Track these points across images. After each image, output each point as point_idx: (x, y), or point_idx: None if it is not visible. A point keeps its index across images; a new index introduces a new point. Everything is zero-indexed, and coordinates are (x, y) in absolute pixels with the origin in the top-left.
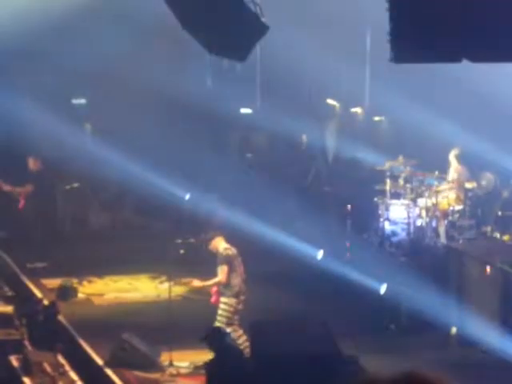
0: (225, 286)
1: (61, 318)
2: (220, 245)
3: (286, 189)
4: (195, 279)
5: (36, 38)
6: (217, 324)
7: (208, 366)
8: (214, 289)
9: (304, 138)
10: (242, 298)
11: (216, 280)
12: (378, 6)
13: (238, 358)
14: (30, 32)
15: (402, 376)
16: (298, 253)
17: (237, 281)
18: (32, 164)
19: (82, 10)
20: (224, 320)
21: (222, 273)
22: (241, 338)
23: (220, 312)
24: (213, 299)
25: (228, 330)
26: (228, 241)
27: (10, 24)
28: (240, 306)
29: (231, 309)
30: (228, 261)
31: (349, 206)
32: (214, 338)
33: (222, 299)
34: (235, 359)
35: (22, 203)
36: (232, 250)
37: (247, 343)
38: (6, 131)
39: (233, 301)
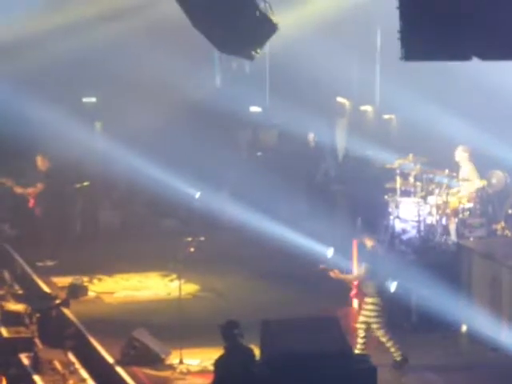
0: (366, 285)
1: (71, 316)
2: (369, 242)
3: (296, 187)
4: (336, 269)
5: (48, 37)
6: (374, 326)
7: (217, 362)
8: (355, 283)
9: (313, 136)
10: None
11: (355, 275)
12: (388, 4)
13: (249, 356)
14: (42, 31)
15: None
16: (307, 251)
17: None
18: (40, 162)
19: (93, 9)
20: (378, 320)
21: (364, 268)
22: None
23: (369, 313)
24: (353, 293)
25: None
26: (237, 239)
27: (23, 23)
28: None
29: (379, 308)
30: (372, 258)
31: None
32: (227, 331)
33: (369, 299)
34: (245, 356)
35: (31, 202)
36: (378, 248)
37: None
38: (16, 130)
39: (378, 300)
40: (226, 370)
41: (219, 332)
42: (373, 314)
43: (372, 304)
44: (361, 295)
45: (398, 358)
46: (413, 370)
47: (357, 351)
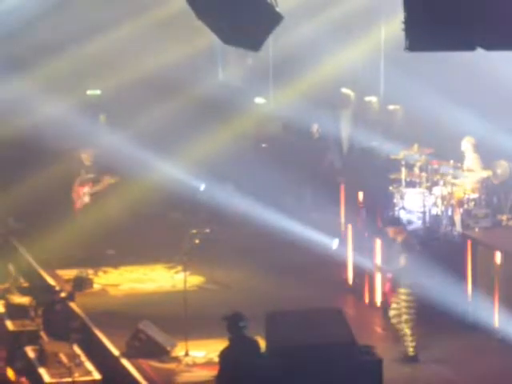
0: (407, 275)
1: (76, 308)
2: (401, 233)
3: (301, 178)
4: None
5: (52, 30)
6: (404, 317)
7: (222, 354)
8: (389, 275)
9: (318, 127)
10: None
11: (400, 266)
12: None
13: (254, 348)
14: (47, 24)
15: None
16: (312, 242)
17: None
18: (86, 159)
19: (96, 1)
20: (411, 311)
21: (405, 259)
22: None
23: (402, 304)
24: (387, 287)
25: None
26: (242, 230)
27: (26, 17)
28: None
29: (412, 299)
30: (410, 248)
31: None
32: (232, 323)
33: (403, 290)
34: (251, 348)
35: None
36: (412, 239)
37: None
38: (21, 124)
39: (412, 291)
40: (231, 362)
41: (224, 324)
42: (406, 304)
43: (405, 295)
44: (393, 288)
45: (412, 354)
46: (419, 360)
47: (411, 350)
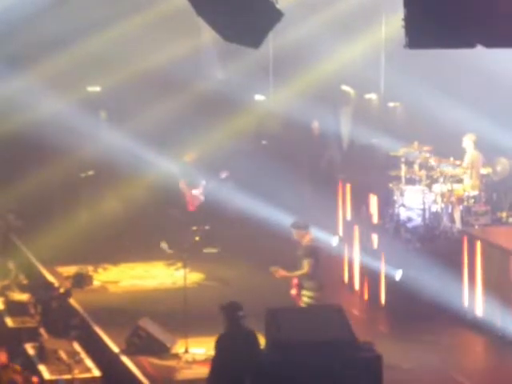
0: (309, 279)
1: (76, 305)
2: (305, 237)
3: (301, 175)
4: (281, 269)
5: (51, 27)
6: None
7: (219, 341)
8: (295, 281)
9: (318, 124)
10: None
11: (302, 271)
12: None
13: (252, 339)
14: (46, 21)
15: None
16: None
17: (320, 273)
18: (191, 158)
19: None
20: None
21: (307, 265)
22: None
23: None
24: (293, 292)
25: None
26: (242, 227)
27: (26, 14)
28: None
29: (317, 303)
30: (314, 253)
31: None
32: (230, 313)
33: (307, 293)
34: (249, 339)
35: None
36: (316, 243)
37: None
38: (21, 120)
39: (318, 295)
40: (230, 354)
41: (221, 313)
42: None
43: (311, 298)
44: (299, 292)
45: None
46: (418, 357)
47: None
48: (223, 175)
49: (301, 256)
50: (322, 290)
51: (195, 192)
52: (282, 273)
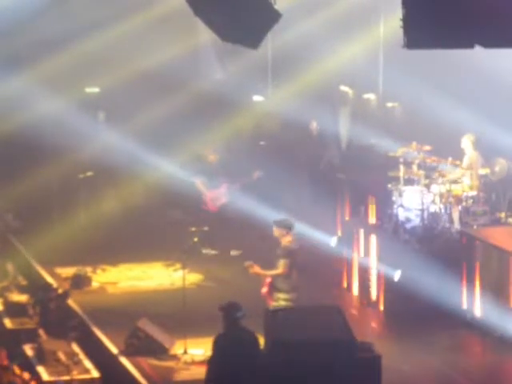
0: (285, 280)
1: (74, 306)
2: (286, 237)
3: (299, 176)
4: (256, 265)
5: (49, 28)
6: None
7: (218, 341)
8: (268, 280)
9: (316, 124)
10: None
11: (277, 271)
12: None
13: (251, 340)
14: (44, 22)
15: None
16: (311, 239)
17: (296, 275)
18: (212, 158)
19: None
20: None
21: (283, 265)
22: None
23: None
24: (264, 290)
25: None
26: (242, 227)
27: (24, 14)
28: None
29: (291, 304)
30: (290, 254)
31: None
32: (229, 313)
33: (282, 295)
34: (248, 340)
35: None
36: (295, 244)
37: None
38: (20, 120)
39: (293, 296)
40: (227, 354)
41: (220, 314)
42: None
43: (285, 300)
44: (272, 292)
45: None
46: (417, 358)
47: None
48: (256, 175)
49: (278, 255)
50: (296, 291)
51: (216, 192)
52: (256, 269)
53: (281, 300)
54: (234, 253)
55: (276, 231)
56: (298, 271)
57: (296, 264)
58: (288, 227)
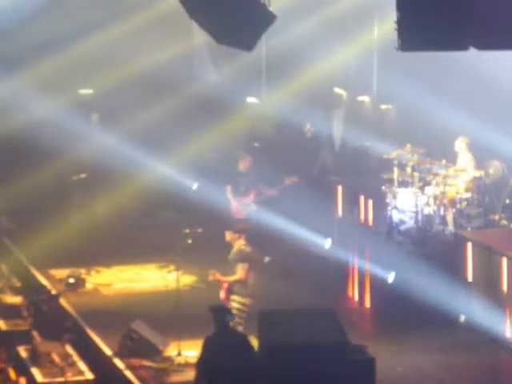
0: (242, 285)
1: (68, 308)
2: (238, 241)
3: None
4: (217, 272)
5: (44, 30)
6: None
7: (207, 342)
8: (225, 285)
9: (310, 126)
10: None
11: (236, 277)
12: None
13: (240, 341)
14: (38, 24)
15: None
16: (305, 241)
17: (253, 280)
18: (244, 165)
19: (89, 1)
20: (243, 322)
21: (242, 270)
22: None
23: (235, 312)
24: (222, 295)
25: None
26: (234, 229)
27: (16, 16)
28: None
29: (246, 309)
30: (247, 258)
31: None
32: (219, 316)
33: (238, 298)
34: (237, 341)
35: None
36: (250, 248)
37: None
38: (14, 122)
39: (249, 301)
40: (215, 356)
41: (210, 314)
42: (240, 314)
43: (241, 304)
44: (228, 295)
45: None
46: (410, 360)
47: None
48: (288, 181)
49: (235, 260)
50: (254, 297)
51: (243, 200)
52: (216, 276)
53: (235, 302)
54: (265, 259)
55: (228, 235)
56: (255, 275)
57: (254, 267)
58: (240, 231)
